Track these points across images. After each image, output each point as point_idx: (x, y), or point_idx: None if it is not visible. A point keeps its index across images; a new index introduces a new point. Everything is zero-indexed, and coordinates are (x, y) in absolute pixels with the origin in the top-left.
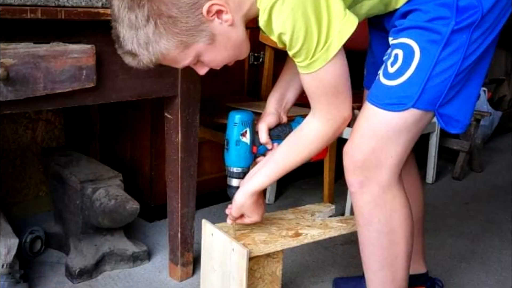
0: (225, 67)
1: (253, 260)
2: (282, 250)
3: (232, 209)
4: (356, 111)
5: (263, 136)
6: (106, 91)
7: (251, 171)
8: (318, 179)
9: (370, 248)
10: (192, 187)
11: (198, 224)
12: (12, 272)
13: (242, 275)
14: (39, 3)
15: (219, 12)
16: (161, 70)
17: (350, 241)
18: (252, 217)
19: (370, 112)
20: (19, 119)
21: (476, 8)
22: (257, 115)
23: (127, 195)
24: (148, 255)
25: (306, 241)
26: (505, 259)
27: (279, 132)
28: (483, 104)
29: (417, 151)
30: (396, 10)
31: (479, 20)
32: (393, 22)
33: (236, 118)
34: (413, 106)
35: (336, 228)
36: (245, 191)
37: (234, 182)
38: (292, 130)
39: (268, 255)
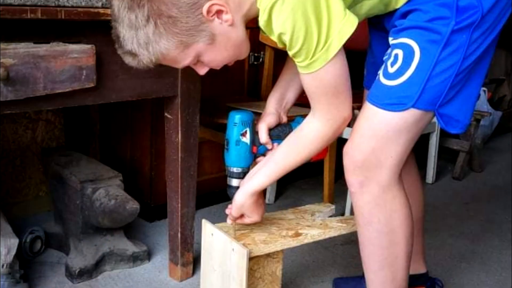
0: (225, 67)
1: (253, 260)
2: (282, 250)
3: (232, 209)
4: (356, 111)
5: (263, 136)
6: (106, 91)
7: (251, 171)
8: (318, 179)
9: (370, 248)
10: (192, 187)
11: (198, 224)
12: (12, 272)
13: (242, 275)
14: (39, 3)
15: (219, 12)
16: (161, 70)
17: (350, 241)
18: (252, 217)
19: (370, 112)
20: (19, 119)
21: (476, 8)
22: (257, 115)
23: (127, 195)
24: (148, 255)
25: (306, 241)
26: (505, 259)
27: (279, 132)
28: (483, 104)
29: (417, 151)
30: (396, 10)
31: (479, 20)
32: (393, 22)
33: (236, 118)
34: (413, 106)
35: (336, 228)
36: (245, 191)
37: (234, 182)
38: (292, 130)
39: (268, 255)
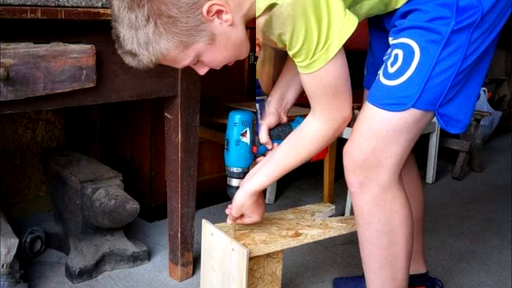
0: (225, 67)
1: (253, 260)
2: (282, 250)
3: (232, 209)
4: (356, 111)
5: (263, 136)
6: (106, 91)
7: (251, 171)
8: (318, 179)
9: (370, 248)
10: (192, 187)
11: (198, 224)
12: (12, 272)
13: (242, 275)
14: (39, 3)
15: (219, 12)
16: (161, 70)
17: (350, 241)
18: (252, 217)
19: (370, 112)
20: (19, 119)
21: (476, 8)
22: None
23: (127, 195)
24: (148, 255)
25: (306, 241)
26: (505, 259)
27: (279, 132)
28: (483, 104)
29: (417, 151)
30: (396, 10)
31: (479, 20)
32: (393, 22)
33: (236, 118)
34: (413, 106)
35: (336, 228)
36: (245, 191)
37: (234, 182)
38: (292, 130)
39: (268, 255)
